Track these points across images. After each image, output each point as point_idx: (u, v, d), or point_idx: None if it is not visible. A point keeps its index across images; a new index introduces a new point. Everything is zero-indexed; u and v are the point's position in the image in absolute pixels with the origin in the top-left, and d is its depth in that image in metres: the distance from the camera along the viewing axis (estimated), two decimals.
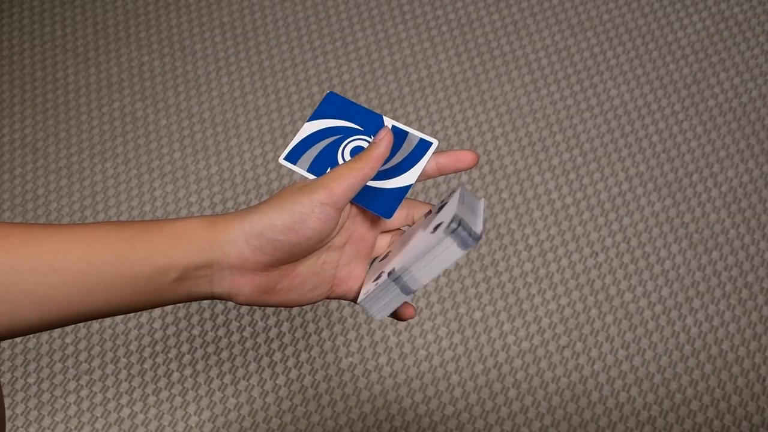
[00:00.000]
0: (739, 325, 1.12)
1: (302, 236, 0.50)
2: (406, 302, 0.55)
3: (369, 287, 0.54)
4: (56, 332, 1.17)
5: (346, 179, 0.51)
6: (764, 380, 1.08)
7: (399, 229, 0.58)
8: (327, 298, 0.55)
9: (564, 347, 1.12)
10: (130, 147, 1.31)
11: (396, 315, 0.55)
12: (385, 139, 0.52)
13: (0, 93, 1.38)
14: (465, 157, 0.55)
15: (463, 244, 0.50)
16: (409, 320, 1.14)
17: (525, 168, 1.25)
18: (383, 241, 0.57)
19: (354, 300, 0.56)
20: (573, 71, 1.32)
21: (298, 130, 1.30)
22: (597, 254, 1.18)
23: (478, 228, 0.52)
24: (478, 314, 1.14)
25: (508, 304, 1.15)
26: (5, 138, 1.34)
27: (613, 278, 1.16)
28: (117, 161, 1.30)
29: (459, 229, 0.50)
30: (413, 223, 0.57)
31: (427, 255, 0.51)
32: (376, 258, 0.58)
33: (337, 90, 1.33)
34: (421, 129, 1.29)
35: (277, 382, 1.11)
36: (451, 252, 0.50)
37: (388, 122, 0.56)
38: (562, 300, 1.15)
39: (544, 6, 1.39)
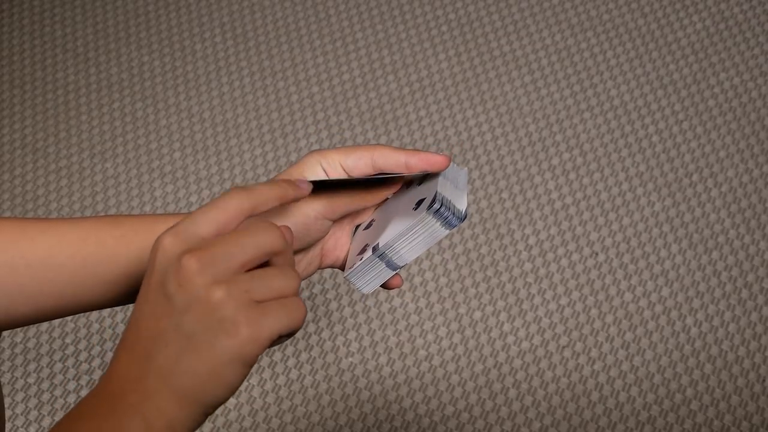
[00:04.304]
0: (739, 325, 1.12)
1: (303, 243, 0.51)
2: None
3: (355, 262, 0.54)
4: (56, 332, 1.17)
5: (350, 203, 0.52)
6: (764, 380, 1.08)
7: None
8: (318, 268, 0.56)
9: (564, 347, 1.12)
10: (130, 147, 1.31)
11: (384, 284, 0.56)
12: (394, 188, 0.55)
13: (0, 93, 1.38)
14: (436, 161, 0.55)
15: (448, 224, 0.50)
16: (410, 321, 1.14)
17: (525, 168, 1.25)
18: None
19: (342, 268, 0.56)
20: (573, 71, 1.32)
21: (297, 130, 1.30)
22: (597, 254, 1.18)
23: (462, 205, 0.51)
24: (478, 314, 1.14)
25: (508, 304, 1.15)
26: (5, 138, 1.34)
27: (613, 278, 1.16)
28: (117, 161, 1.30)
29: (442, 209, 0.49)
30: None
31: (411, 233, 0.50)
32: (359, 225, 0.57)
33: (338, 90, 1.33)
34: (421, 129, 1.29)
35: (277, 382, 1.11)
36: (435, 231, 0.50)
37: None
38: (562, 300, 1.15)
39: (544, 6, 1.39)
